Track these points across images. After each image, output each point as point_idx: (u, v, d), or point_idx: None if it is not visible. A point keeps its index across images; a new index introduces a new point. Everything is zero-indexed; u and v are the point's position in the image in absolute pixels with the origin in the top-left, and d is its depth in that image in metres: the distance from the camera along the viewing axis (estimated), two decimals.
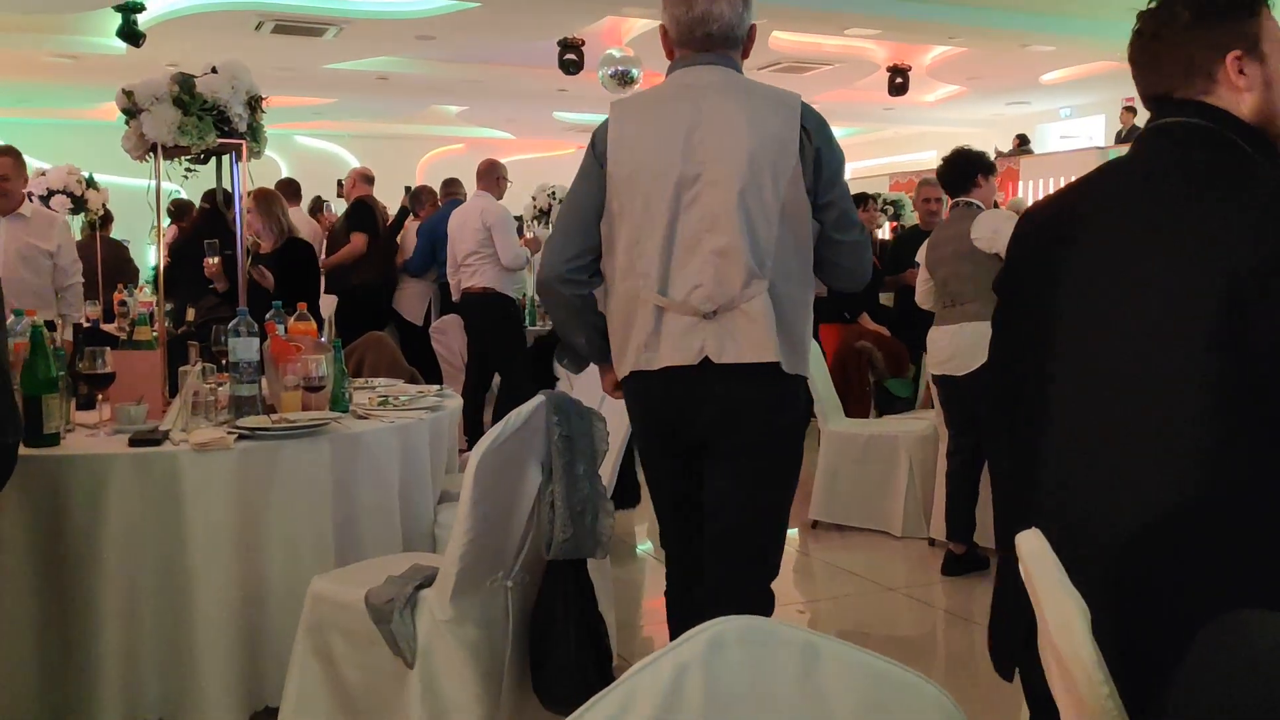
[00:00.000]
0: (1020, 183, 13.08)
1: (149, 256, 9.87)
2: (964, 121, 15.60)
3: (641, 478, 2.80)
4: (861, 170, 16.27)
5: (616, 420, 2.66)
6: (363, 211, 7.15)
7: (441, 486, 3.34)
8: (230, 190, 3.69)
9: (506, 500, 2.30)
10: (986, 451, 4.23)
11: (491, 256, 5.92)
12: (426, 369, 5.81)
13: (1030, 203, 11.39)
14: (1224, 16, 1.49)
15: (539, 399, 2.29)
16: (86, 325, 5.58)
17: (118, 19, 8.38)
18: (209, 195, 5.20)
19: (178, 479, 2.59)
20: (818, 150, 2.23)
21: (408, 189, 7.82)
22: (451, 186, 7.18)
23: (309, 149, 16.23)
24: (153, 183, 3.41)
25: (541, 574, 2.33)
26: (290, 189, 7.63)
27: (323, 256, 7.14)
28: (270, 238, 4.79)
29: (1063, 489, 1.47)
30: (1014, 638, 1.35)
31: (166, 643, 2.60)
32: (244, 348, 2.96)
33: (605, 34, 10.12)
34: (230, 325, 2.99)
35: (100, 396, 2.95)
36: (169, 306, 4.13)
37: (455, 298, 6.25)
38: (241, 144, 3.48)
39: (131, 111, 3.30)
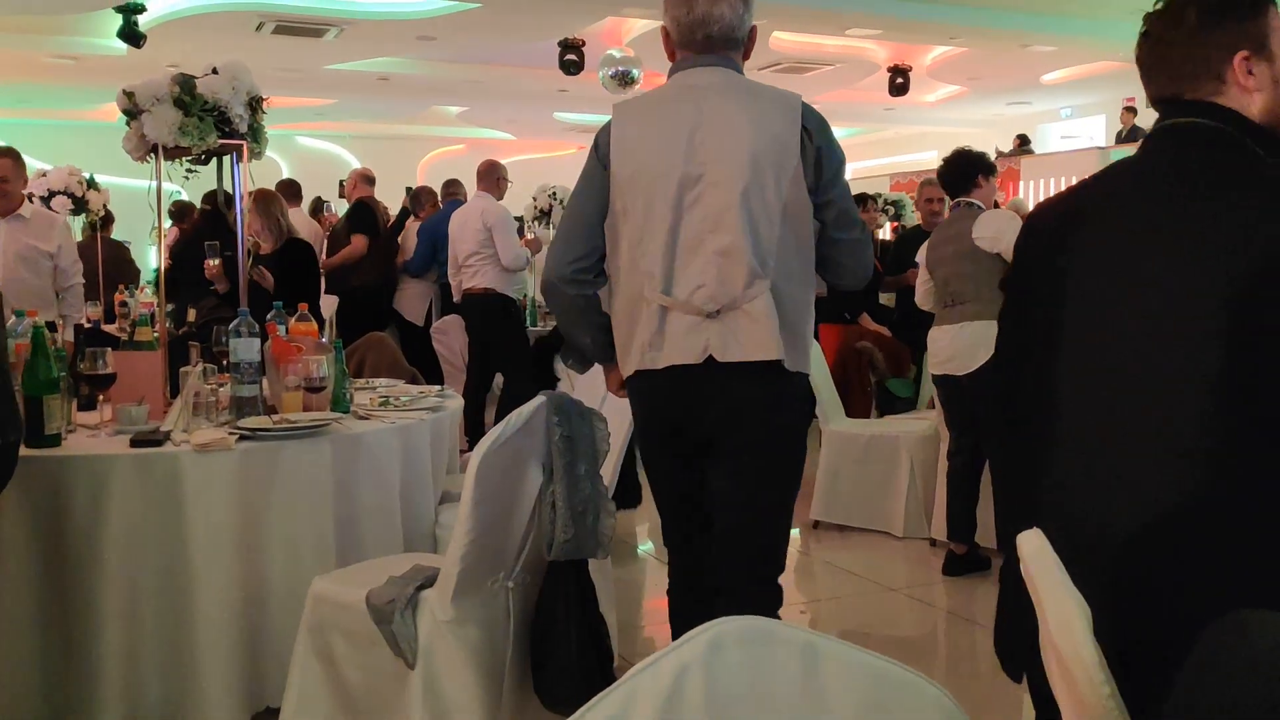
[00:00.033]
0: (1021, 183, 13.06)
1: (150, 257, 9.86)
2: (965, 122, 15.60)
3: (643, 478, 2.80)
4: (862, 170, 16.26)
5: (617, 420, 2.67)
6: (363, 213, 7.15)
7: (443, 487, 3.34)
8: (230, 191, 3.69)
9: (507, 501, 2.30)
10: (986, 451, 4.24)
11: (492, 257, 5.92)
12: (427, 369, 5.82)
13: (1030, 203, 11.40)
14: (1230, 17, 1.48)
15: (540, 399, 2.30)
16: (88, 326, 5.59)
17: (118, 20, 8.38)
18: (210, 196, 5.21)
19: (179, 480, 2.59)
20: (818, 150, 2.25)
21: (409, 190, 7.83)
22: (452, 187, 7.19)
23: (310, 150, 16.22)
24: (154, 184, 3.41)
25: (543, 575, 2.34)
26: (291, 190, 7.64)
27: (323, 257, 7.14)
28: (269, 238, 4.79)
29: (1063, 489, 1.47)
30: (1021, 639, 1.35)
31: (168, 643, 2.60)
32: (245, 348, 2.96)
33: (606, 34, 10.13)
34: (231, 326, 2.99)
35: (101, 397, 2.95)
36: (170, 307, 4.14)
37: (456, 299, 6.26)
38: (242, 145, 3.48)
39: (132, 112, 3.30)
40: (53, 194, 6.98)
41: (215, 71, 3.41)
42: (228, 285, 4.23)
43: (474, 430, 5.62)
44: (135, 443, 2.66)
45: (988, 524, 4.28)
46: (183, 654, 2.60)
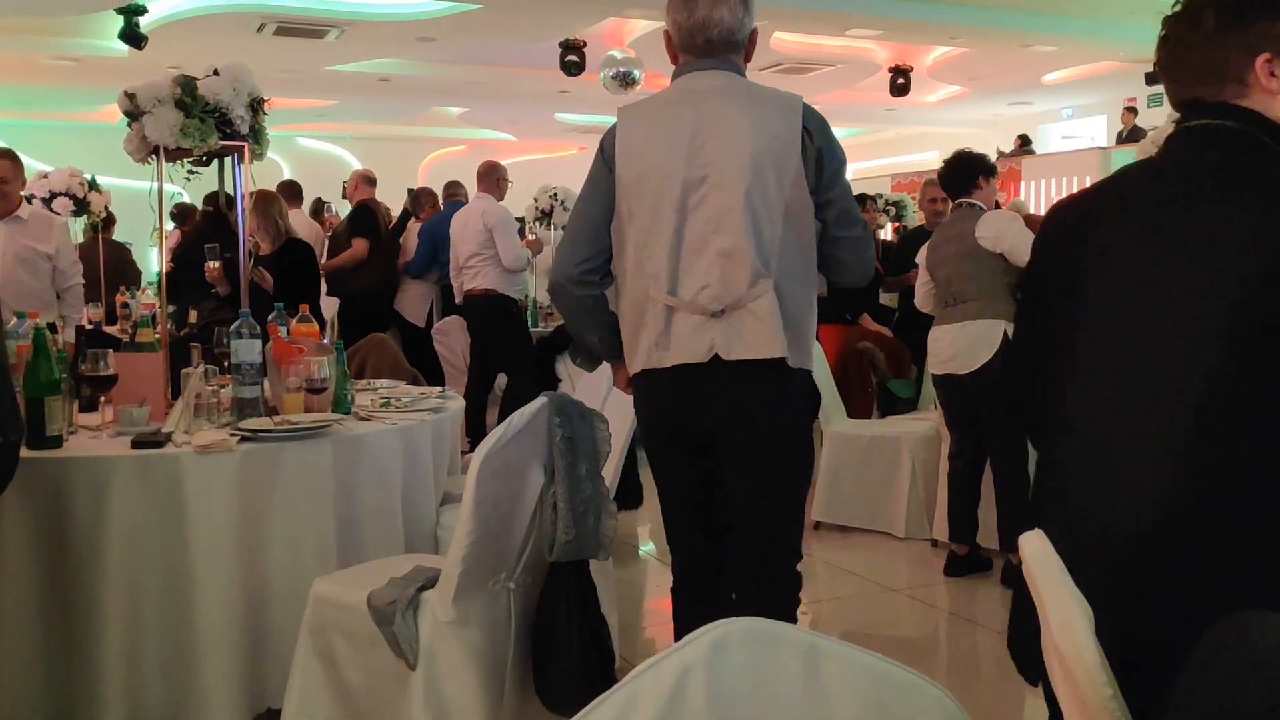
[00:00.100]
0: (1022, 183, 13.05)
1: (151, 259, 9.87)
2: (966, 122, 15.61)
3: (644, 478, 2.81)
4: (863, 171, 16.27)
5: (618, 421, 2.67)
6: (365, 216, 7.15)
7: (444, 488, 3.34)
8: (231, 193, 3.69)
9: (509, 502, 2.31)
10: (988, 451, 4.24)
11: (493, 258, 5.93)
12: (428, 370, 5.82)
13: (1031, 204, 11.40)
14: (1250, 19, 1.46)
15: (541, 400, 2.30)
16: (89, 327, 5.58)
17: (119, 21, 8.39)
18: (211, 198, 5.21)
19: (180, 481, 2.59)
20: (819, 151, 2.28)
21: (410, 191, 7.83)
22: (453, 188, 7.19)
23: (311, 151, 16.24)
24: (155, 185, 3.41)
25: (544, 576, 2.34)
26: (291, 191, 7.65)
27: (323, 258, 7.14)
28: (268, 239, 4.80)
29: (1065, 489, 1.47)
30: (1038, 642, 1.35)
31: (169, 644, 2.60)
32: (246, 350, 2.96)
33: (607, 35, 10.13)
34: (232, 327, 3.00)
35: (103, 399, 2.95)
36: (172, 309, 4.14)
37: (458, 300, 6.26)
38: (244, 146, 3.47)
39: (133, 114, 3.31)
40: (54, 195, 6.97)
41: (216, 73, 3.41)
42: (229, 288, 4.23)
43: (475, 431, 5.62)
44: (136, 444, 2.66)
45: (989, 525, 4.27)
46: (184, 655, 2.60)
